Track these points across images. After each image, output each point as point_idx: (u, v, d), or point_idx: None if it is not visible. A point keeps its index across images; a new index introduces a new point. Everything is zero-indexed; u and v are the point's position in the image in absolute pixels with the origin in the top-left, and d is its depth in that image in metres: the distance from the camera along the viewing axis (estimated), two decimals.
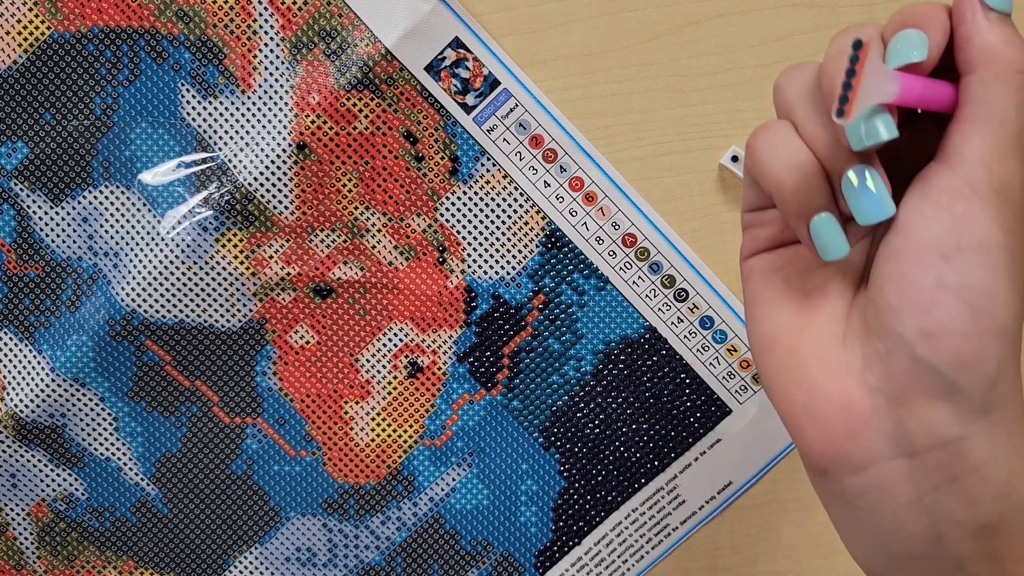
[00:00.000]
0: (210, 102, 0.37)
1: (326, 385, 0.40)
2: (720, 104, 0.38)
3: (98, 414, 0.40)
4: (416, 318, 0.39)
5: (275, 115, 0.37)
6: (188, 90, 0.37)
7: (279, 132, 0.37)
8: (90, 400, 0.40)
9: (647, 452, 0.41)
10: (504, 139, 0.38)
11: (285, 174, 0.37)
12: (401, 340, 0.40)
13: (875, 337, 0.22)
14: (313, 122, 0.37)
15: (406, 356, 0.40)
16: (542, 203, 0.38)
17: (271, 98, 0.37)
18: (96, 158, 0.38)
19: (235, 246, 0.38)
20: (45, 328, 0.39)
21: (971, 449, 0.21)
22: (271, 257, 0.38)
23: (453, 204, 0.38)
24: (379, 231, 0.38)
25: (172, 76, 0.37)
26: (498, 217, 0.38)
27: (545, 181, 0.38)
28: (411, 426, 0.41)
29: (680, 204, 0.39)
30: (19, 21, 0.37)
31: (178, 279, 0.38)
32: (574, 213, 0.38)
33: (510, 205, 0.38)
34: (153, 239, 0.38)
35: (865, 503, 0.23)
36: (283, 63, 0.37)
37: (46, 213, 0.38)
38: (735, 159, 0.38)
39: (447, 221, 0.38)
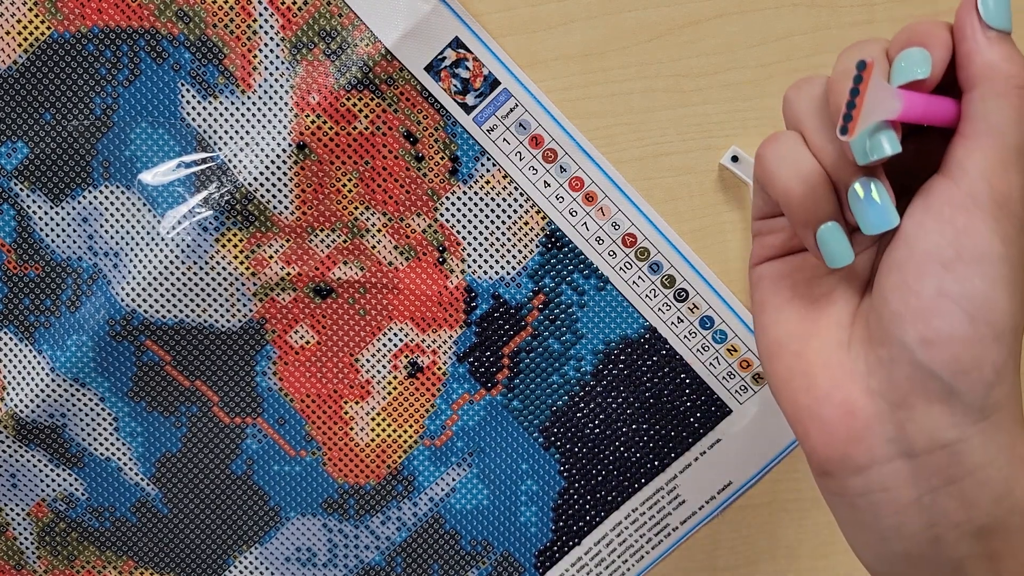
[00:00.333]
0: (210, 102, 0.37)
1: (326, 385, 0.40)
2: (720, 104, 0.38)
3: (98, 414, 0.40)
4: (416, 318, 0.39)
5: (275, 115, 0.37)
6: (188, 90, 0.37)
7: (279, 132, 0.37)
8: (90, 400, 0.40)
9: (647, 452, 0.41)
10: (504, 139, 0.38)
11: (285, 174, 0.37)
12: (401, 340, 0.40)
13: (878, 344, 0.23)
14: (313, 122, 0.37)
15: (406, 356, 0.40)
16: (542, 203, 0.38)
17: (271, 98, 0.37)
18: (96, 158, 0.38)
19: (235, 246, 0.38)
20: (45, 328, 0.39)
21: (969, 452, 0.22)
22: (271, 257, 0.38)
23: (453, 204, 0.38)
24: (379, 231, 0.38)
25: (172, 76, 0.37)
26: (498, 217, 0.38)
27: (545, 181, 0.38)
28: (411, 426, 0.41)
29: (680, 204, 0.39)
30: (19, 21, 0.37)
31: (178, 279, 0.38)
32: (574, 213, 0.38)
33: (510, 205, 0.38)
34: (153, 239, 0.38)
35: (866, 503, 0.23)
36: (283, 63, 0.37)
37: (46, 213, 0.38)
38: (735, 159, 0.38)
39: (447, 221, 0.38)
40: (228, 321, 0.39)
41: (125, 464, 0.41)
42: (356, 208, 0.38)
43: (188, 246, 0.37)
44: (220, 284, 0.38)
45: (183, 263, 0.38)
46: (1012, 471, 0.22)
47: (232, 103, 0.37)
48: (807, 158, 0.24)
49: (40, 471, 0.41)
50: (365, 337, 0.40)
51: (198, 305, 0.38)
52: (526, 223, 0.38)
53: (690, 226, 0.39)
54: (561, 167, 0.38)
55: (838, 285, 0.25)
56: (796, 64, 0.37)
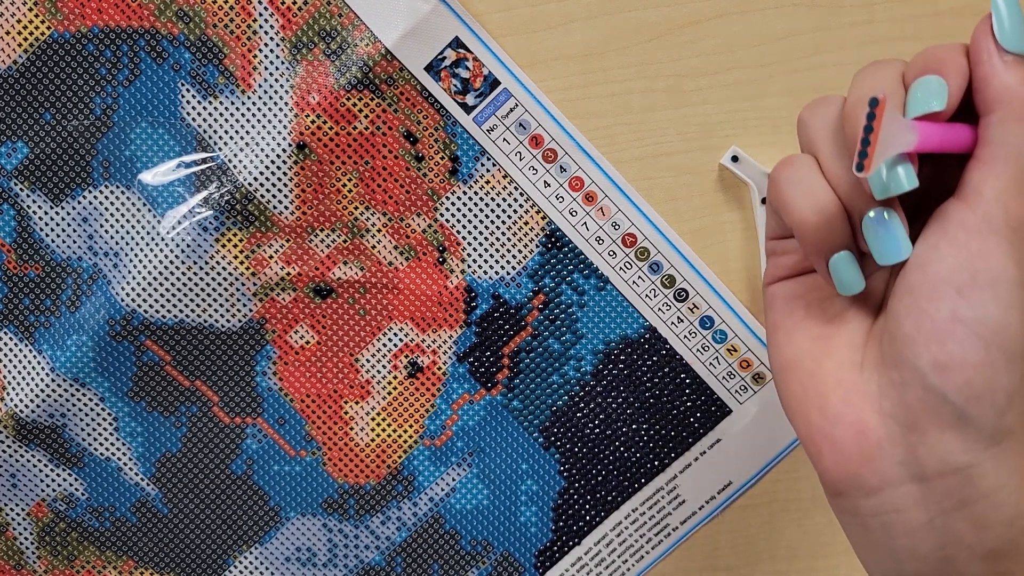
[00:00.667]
0: (210, 102, 0.37)
1: (326, 385, 0.40)
2: (720, 104, 0.38)
3: (98, 414, 0.40)
4: (416, 318, 0.39)
5: (275, 115, 0.37)
6: (188, 90, 0.37)
7: (279, 132, 0.37)
8: (90, 400, 0.40)
9: (647, 452, 0.41)
10: (504, 139, 0.38)
11: (285, 174, 0.37)
12: (401, 340, 0.40)
13: (891, 366, 0.23)
14: (313, 122, 0.37)
15: (406, 356, 0.40)
16: (542, 203, 0.38)
17: (271, 98, 0.37)
18: (96, 158, 0.38)
19: (235, 246, 0.38)
20: (45, 328, 0.39)
21: (981, 476, 0.22)
22: (271, 257, 0.38)
23: (453, 204, 0.38)
24: (379, 231, 0.38)
25: (172, 76, 0.37)
26: (498, 217, 0.38)
27: (545, 181, 0.38)
28: (411, 426, 0.41)
29: (680, 204, 0.39)
30: (19, 21, 0.37)
31: (178, 279, 0.38)
32: (574, 213, 0.38)
33: (510, 205, 0.38)
34: (153, 239, 0.38)
35: (878, 524, 0.23)
36: (283, 63, 0.37)
37: (46, 213, 0.38)
38: (735, 159, 0.38)
39: (447, 221, 0.38)
40: (228, 321, 0.39)
41: (125, 464, 0.41)
42: (356, 208, 0.38)
43: (188, 246, 0.37)
44: (220, 284, 0.38)
45: (183, 263, 0.38)
46: None
47: (232, 103, 0.37)
48: (822, 187, 0.24)
49: (40, 471, 0.41)
50: (365, 337, 0.40)
51: (198, 305, 0.38)
52: (526, 223, 0.38)
53: (690, 226, 0.39)
54: (561, 167, 0.38)
55: (852, 305, 0.25)
56: (796, 64, 0.37)
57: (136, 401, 0.40)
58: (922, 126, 0.22)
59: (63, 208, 0.38)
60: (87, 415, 0.40)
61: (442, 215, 0.38)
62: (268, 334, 0.39)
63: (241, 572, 0.42)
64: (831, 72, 0.37)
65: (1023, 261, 0.21)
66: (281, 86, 0.37)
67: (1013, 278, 0.21)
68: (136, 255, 0.38)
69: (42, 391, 0.39)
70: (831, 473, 0.24)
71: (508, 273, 0.39)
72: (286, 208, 0.38)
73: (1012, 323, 0.21)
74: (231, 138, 0.37)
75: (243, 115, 0.37)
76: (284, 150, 0.37)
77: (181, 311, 0.39)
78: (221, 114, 0.37)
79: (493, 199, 0.38)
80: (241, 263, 0.38)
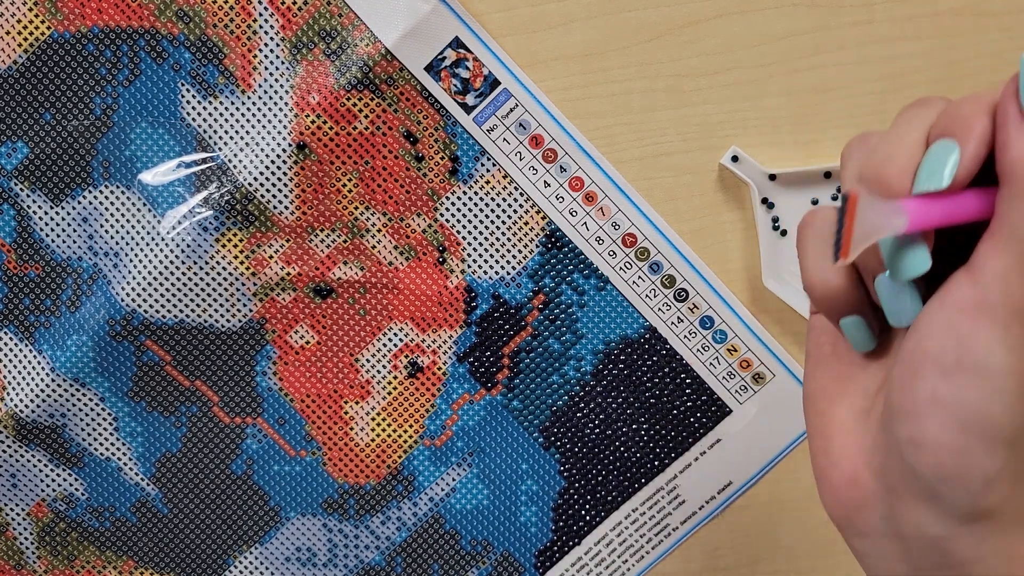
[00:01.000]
0: (210, 102, 0.37)
1: (326, 385, 0.40)
2: (720, 104, 0.38)
3: (98, 414, 0.40)
4: (416, 318, 0.39)
5: (275, 115, 0.37)
6: (188, 90, 0.37)
7: (279, 132, 0.37)
8: (90, 400, 0.40)
9: (647, 452, 0.41)
10: (504, 139, 0.38)
11: (285, 174, 0.37)
12: (401, 340, 0.40)
13: (884, 427, 0.23)
14: (313, 122, 0.37)
15: (406, 356, 0.40)
16: (542, 203, 0.38)
17: (271, 98, 0.37)
18: (96, 158, 0.38)
19: (235, 246, 0.38)
20: (45, 328, 0.39)
21: (957, 549, 0.21)
22: (271, 257, 0.38)
23: (453, 204, 0.38)
24: (379, 231, 0.38)
25: (172, 76, 0.37)
26: (498, 217, 0.38)
27: (545, 181, 0.38)
28: (411, 426, 0.41)
29: (680, 204, 0.39)
30: (19, 21, 0.37)
31: (178, 279, 0.38)
32: (574, 213, 0.38)
33: (510, 205, 0.38)
34: (153, 239, 0.38)
35: (869, 562, 0.24)
36: (283, 63, 0.37)
37: (46, 213, 0.38)
38: (735, 159, 0.38)
39: (447, 221, 0.38)
40: (228, 321, 0.39)
41: (125, 464, 0.41)
42: (356, 208, 0.38)
43: (188, 246, 0.37)
44: (220, 284, 0.38)
45: (183, 263, 0.38)
46: (1011, 569, 0.21)
47: (232, 103, 0.37)
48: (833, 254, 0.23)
49: (40, 471, 0.41)
50: (365, 337, 0.40)
51: (198, 305, 0.38)
52: (526, 223, 0.38)
53: (690, 226, 0.39)
54: (561, 167, 0.38)
55: (872, 353, 0.25)
56: (796, 64, 0.37)
57: (136, 401, 0.40)
58: (915, 205, 0.20)
59: (63, 208, 0.38)
60: (87, 415, 0.40)
61: (442, 215, 0.38)
62: (268, 334, 0.39)
63: (241, 572, 0.42)
64: (831, 72, 0.37)
65: (1017, 347, 0.20)
66: (281, 86, 0.37)
67: (1000, 365, 0.20)
68: (136, 255, 0.38)
69: (42, 391, 0.39)
70: (828, 509, 0.25)
71: (508, 273, 0.39)
72: (286, 208, 0.38)
73: (993, 411, 0.20)
74: (231, 138, 0.37)
75: (243, 115, 0.37)
76: (284, 150, 0.37)
77: (181, 311, 0.39)
78: (221, 114, 0.37)
79: (493, 199, 0.38)
80: (241, 263, 0.38)
